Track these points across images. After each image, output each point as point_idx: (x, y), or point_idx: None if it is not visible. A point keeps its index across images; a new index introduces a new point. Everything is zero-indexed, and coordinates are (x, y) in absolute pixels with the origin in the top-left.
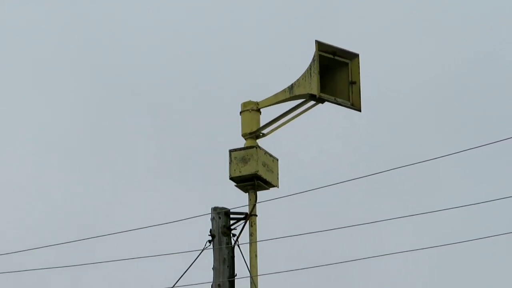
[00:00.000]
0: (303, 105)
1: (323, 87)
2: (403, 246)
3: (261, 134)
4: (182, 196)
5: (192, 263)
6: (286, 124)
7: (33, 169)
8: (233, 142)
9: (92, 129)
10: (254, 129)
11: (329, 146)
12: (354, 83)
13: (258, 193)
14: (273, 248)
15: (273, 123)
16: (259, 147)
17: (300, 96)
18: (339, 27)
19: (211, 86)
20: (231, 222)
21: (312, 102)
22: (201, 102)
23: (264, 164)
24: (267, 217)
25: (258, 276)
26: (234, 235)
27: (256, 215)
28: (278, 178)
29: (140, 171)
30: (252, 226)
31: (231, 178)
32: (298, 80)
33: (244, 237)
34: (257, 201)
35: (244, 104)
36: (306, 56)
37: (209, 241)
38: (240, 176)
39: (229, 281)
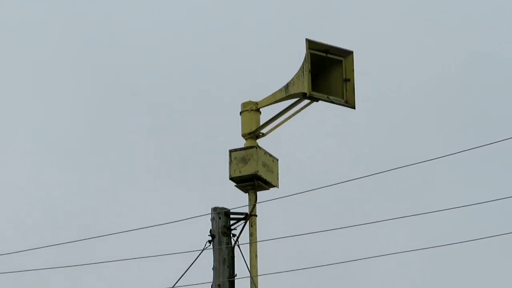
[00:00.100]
0: (298, 104)
1: (317, 85)
2: (403, 246)
3: (260, 134)
4: (182, 196)
5: (192, 263)
6: (284, 124)
7: (33, 169)
8: (233, 142)
9: (92, 129)
10: (253, 129)
11: (329, 146)
12: (348, 81)
13: (258, 193)
14: (273, 248)
15: (270, 123)
16: (259, 147)
17: (295, 95)
18: (339, 27)
19: (211, 86)
20: (231, 222)
21: (307, 101)
22: (201, 102)
23: (264, 164)
24: (267, 217)
25: (258, 276)
26: (234, 235)
27: (256, 215)
28: (278, 178)
29: (140, 171)
30: (252, 226)
31: (231, 178)
32: (292, 79)
33: (244, 237)
34: (257, 201)
35: (244, 104)
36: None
37: (209, 241)
38: (240, 176)
39: (229, 281)
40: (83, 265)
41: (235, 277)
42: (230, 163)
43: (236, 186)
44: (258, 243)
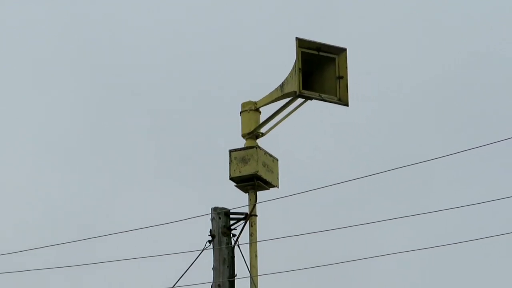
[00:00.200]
0: (292, 103)
1: (312, 83)
2: (403, 246)
3: (260, 134)
4: (182, 196)
5: (192, 263)
6: (283, 123)
7: (33, 169)
8: (233, 142)
9: (92, 129)
10: (252, 128)
11: (329, 146)
12: (342, 78)
13: (258, 193)
14: (273, 248)
15: (267, 123)
16: (259, 147)
17: (289, 94)
18: (339, 27)
19: (211, 86)
20: (231, 222)
21: (301, 100)
22: (201, 102)
23: (264, 164)
24: (267, 217)
25: (258, 276)
26: (234, 235)
27: (256, 215)
28: (278, 178)
29: (140, 171)
30: (252, 226)
31: (231, 178)
32: (287, 78)
33: (244, 237)
34: (257, 201)
35: (244, 104)
36: None
37: (209, 241)
38: (240, 176)
39: (229, 281)
40: (83, 265)
41: (235, 277)
42: (230, 163)
43: (236, 186)
44: (258, 243)
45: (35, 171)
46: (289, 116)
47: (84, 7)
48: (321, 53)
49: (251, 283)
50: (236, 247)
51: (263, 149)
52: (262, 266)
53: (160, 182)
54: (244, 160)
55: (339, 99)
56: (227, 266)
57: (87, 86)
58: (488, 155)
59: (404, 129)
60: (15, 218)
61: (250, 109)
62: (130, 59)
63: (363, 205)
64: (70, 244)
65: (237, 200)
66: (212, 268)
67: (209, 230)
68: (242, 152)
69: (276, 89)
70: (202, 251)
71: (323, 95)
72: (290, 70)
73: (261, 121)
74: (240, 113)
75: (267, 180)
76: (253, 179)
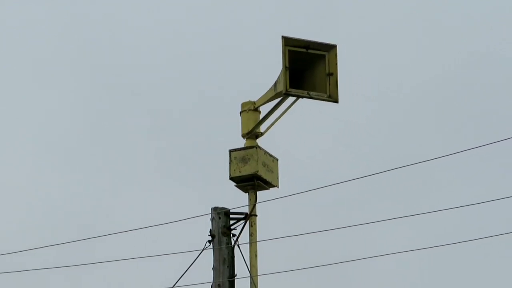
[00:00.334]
0: (283, 102)
1: (302, 81)
2: (402, 246)
3: (259, 134)
4: (182, 196)
5: (192, 263)
6: (280, 123)
7: (33, 169)
8: (233, 142)
9: (92, 129)
10: (250, 128)
11: (329, 145)
12: (331, 75)
13: (258, 193)
14: (273, 248)
15: (263, 122)
16: (259, 147)
17: (280, 93)
18: (339, 27)
19: (211, 86)
20: (231, 222)
21: (293, 98)
22: (201, 102)
23: (264, 164)
24: (267, 217)
25: (258, 276)
26: (234, 235)
27: (256, 215)
28: (278, 178)
29: (140, 171)
30: (252, 226)
31: (231, 178)
32: (278, 76)
33: (244, 237)
34: (257, 201)
35: (244, 104)
36: None
37: (209, 241)
38: (240, 176)
39: (229, 281)
40: (83, 265)
41: (235, 277)
42: (230, 163)
43: (236, 186)
44: (258, 243)
45: (35, 171)
46: (284, 115)
47: (84, 7)
48: (310, 51)
49: (251, 283)
50: (236, 247)
51: (263, 149)
52: (262, 266)
53: (160, 182)
54: (244, 160)
55: (329, 96)
56: (227, 266)
57: (87, 86)
58: (488, 155)
59: (404, 129)
60: (15, 218)
61: (249, 109)
62: (130, 59)
63: (363, 205)
64: (69, 244)
65: (237, 200)
66: (212, 268)
67: (209, 230)
68: (242, 152)
69: (271, 88)
70: (202, 251)
71: (311, 93)
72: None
73: (262, 120)
74: (240, 113)
75: (267, 180)
76: (253, 179)
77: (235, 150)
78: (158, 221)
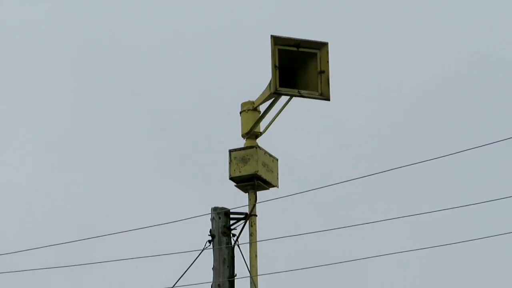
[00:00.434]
0: (277, 101)
1: (296, 80)
2: (402, 246)
3: (259, 133)
4: (182, 196)
5: (192, 263)
6: (280, 123)
7: (33, 169)
8: (233, 142)
9: (92, 129)
10: (248, 128)
11: (329, 145)
12: (323, 73)
13: (258, 193)
14: (273, 248)
15: (260, 121)
16: (259, 147)
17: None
18: (339, 27)
19: (211, 86)
20: (231, 222)
21: (287, 97)
22: (201, 102)
23: (264, 164)
24: (267, 217)
25: (258, 276)
26: (234, 235)
27: (256, 215)
28: (278, 178)
29: (140, 171)
30: (252, 226)
31: (231, 178)
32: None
33: (244, 237)
34: (257, 201)
35: (244, 104)
36: None
37: (209, 241)
38: (240, 176)
39: (229, 281)
40: (83, 265)
41: (235, 277)
42: (230, 163)
43: (236, 186)
44: (258, 243)
45: (35, 171)
46: (284, 116)
47: (84, 7)
48: (301, 49)
49: (251, 283)
50: (236, 247)
51: (263, 149)
52: (262, 266)
53: (160, 182)
54: (244, 160)
55: (321, 94)
56: (227, 266)
57: (87, 86)
58: (488, 155)
59: (404, 129)
60: (15, 218)
61: (248, 109)
62: (130, 59)
63: (362, 205)
64: (69, 244)
65: (237, 200)
66: (212, 268)
67: (209, 230)
68: (242, 152)
69: (267, 88)
70: (202, 251)
71: (302, 92)
72: None
73: (258, 120)
74: (240, 113)
75: (267, 180)
76: (253, 179)
77: (235, 150)
78: (158, 221)
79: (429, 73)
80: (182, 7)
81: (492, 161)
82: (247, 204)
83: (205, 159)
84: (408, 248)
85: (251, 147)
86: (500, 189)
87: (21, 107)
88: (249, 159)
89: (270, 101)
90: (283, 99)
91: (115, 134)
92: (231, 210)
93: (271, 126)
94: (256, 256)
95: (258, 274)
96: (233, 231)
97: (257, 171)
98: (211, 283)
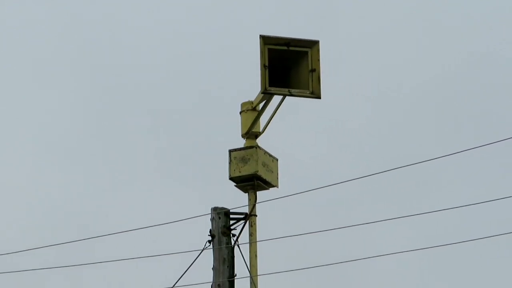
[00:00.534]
0: (271, 100)
1: (289, 80)
2: (402, 246)
3: (258, 133)
4: (182, 196)
5: (192, 263)
6: (279, 122)
7: (33, 169)
8: (233, 142)
9: (92, 129)
10: (247, 128)
11: (329, 145)
12: (314, 71)
13: (258, 193)
14: (273, 248)
15: (257, 121)
16: (259, 147)
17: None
18: (339, 27)
19: (211, 86)
20: (231, 222)
21: (280, 97)
22: (201, 102)
23: (264, 164)
24: (267, 217)
25: (258, 276)
26: (234, 235)
27: (256, 215)
28: (278, 178)
29: (140, 171)
30: (252, 226)
31: (231, 178)
32: None
33: (244, 237)
34: (257, 201)
35: (243, 104)
36: None
37: (209, 241)
38: (240, 176)
39: (229, 281)
40: (83, 265)
41: (235, 277)
42: (230, 163)
43: (236, 186)
44: (258, 243)
45: (35, 171)
46: (284, 116)
47: (84, 7)
48: (291, 48)
49: (251, 283)
50: (236, 247)
51: (263, 149)
52: (262, 266)
53: (160, 182)
54: (244, 160)
55: (312, 93)
56: (227, 266)
57: (87, 86)
58: (488, 155)
59: (404, 129)
60: (15, 218)
61: (248, 109)
62: (130, 59)
63: (362, 205)
64: (69, 244)
65: (237, 200)
66: (212, 268)
67: (209, 230)
68: (242, 152)
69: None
70: (202, 251)
71: (292, 91)
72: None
73: (258, 120)
74: (240, 113)
75: (267, 180)
76: (253, 179)
77: (235, 150)
78: (158, 221)
79: (429, 73)
80: (182, 7)
81: (492, 161)
82: (247, 204)
83: (205, 159)
84: (408, 248)
85: (251, 147)
86: (500, 189)
87: (21, 107)
88: (249, 159)
89: (268, 101)
90: (278, 98)
91: (115, 134)
92: (231, 210)
93: (269, 126)
94: (256, 256)
95: (258, 274)
96: (233, 231)
97: (257, 171)
98: (211, 283)
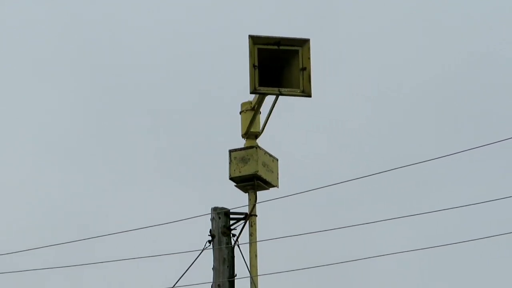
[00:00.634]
0: (264, 100)
1: (280, 79)
2: (402, 246)
3: (258, 133)
4: (182, 196)
5: (192, 263)
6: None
7: (33, 169)
8: (233, 142)
9: (92, 129)
10: (246, 128)
11: (329, 145)
12: (305, 70)
13: (258, 193)
14: (273, 248)
15: (253, 120)
16: (259, 147)
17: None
18: (339, 27)
19: (211, 86)
20: (231, 222)
21: (273, 96)
22: (201, 102)
23: (264, 164)
24: (267, 217)
25: (258, 276)
26: (234, 235)
27: (256, 215)
28: (278, 178)
29: (140, 171)
30: (252, 226)
31: (231, 178)
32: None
33: (244, 237)
34: (257, 201)
35: (243, 104)
36: None
37: (209, 241)
38: (240, 176)
39: (229, 281)
40: (83, 265)
41: (235, 277)
42: (230, 163)
43: (236, 186)
44: (258, 243)
45: (35, 171)
46: (285, 116)
47: (84, 7)
48: (281, 47)
49: (251, 283)
50: (236, 247)
51: (263, 149)
52: (262, 266)
53: (160, 182)
54: (244, 160)
55: (302, 91)
56: (227, 266)
57: (87, 86)
58: (488, 155)
59: (404, 129)
60: (15, 218)
61: (247, 109)
62: (130, 59)
63: (362, 205)
64: (69, 244)
65: (237, 200)
66: (212, 268)
67: (209, 230)
68: (242, 152)
69: None
70: (202, 251)
71: (282, 90)
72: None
73: (257, 120)
74: (240, 113)
75: (267, 180)
76: (253, 179)
77: (235, 150)
78: (158, 221)
79: (429, 73)
80: (182, 7)
81: (492, 161)
82: (247, 204)
83: (205, 159)
84: (409, 248)
85: (251, 147)
86: (500, 189)
87: (21, 107)
88: (249, 159)
89: (264, 101)
90: (273, 99)
91: (115, 134)
92: (231, 210)
93: (269, 126)
94: (256, 256)
95: (258, 274)
96: (233, 231)
97: (257, 171)
98: (211, 283)
